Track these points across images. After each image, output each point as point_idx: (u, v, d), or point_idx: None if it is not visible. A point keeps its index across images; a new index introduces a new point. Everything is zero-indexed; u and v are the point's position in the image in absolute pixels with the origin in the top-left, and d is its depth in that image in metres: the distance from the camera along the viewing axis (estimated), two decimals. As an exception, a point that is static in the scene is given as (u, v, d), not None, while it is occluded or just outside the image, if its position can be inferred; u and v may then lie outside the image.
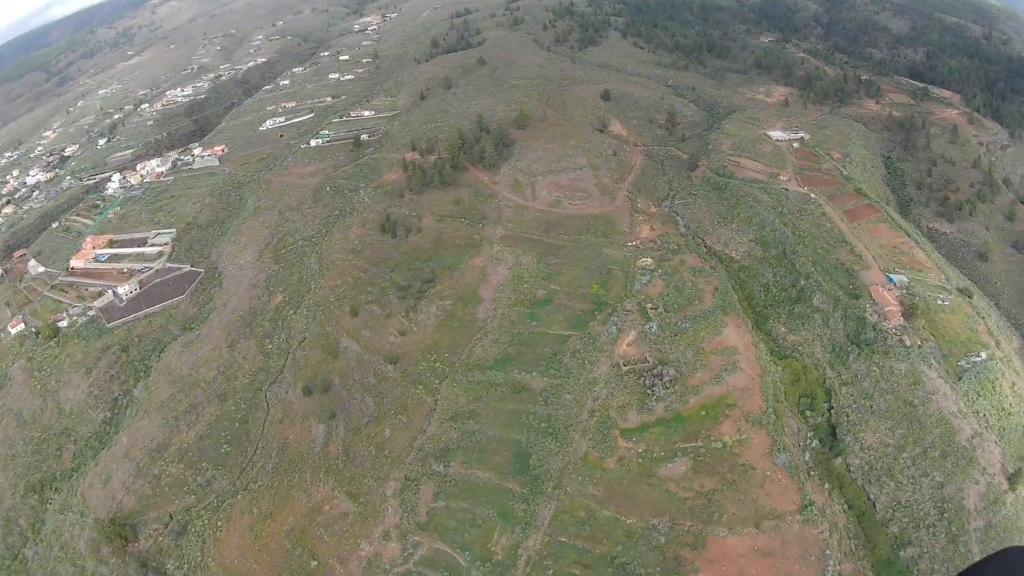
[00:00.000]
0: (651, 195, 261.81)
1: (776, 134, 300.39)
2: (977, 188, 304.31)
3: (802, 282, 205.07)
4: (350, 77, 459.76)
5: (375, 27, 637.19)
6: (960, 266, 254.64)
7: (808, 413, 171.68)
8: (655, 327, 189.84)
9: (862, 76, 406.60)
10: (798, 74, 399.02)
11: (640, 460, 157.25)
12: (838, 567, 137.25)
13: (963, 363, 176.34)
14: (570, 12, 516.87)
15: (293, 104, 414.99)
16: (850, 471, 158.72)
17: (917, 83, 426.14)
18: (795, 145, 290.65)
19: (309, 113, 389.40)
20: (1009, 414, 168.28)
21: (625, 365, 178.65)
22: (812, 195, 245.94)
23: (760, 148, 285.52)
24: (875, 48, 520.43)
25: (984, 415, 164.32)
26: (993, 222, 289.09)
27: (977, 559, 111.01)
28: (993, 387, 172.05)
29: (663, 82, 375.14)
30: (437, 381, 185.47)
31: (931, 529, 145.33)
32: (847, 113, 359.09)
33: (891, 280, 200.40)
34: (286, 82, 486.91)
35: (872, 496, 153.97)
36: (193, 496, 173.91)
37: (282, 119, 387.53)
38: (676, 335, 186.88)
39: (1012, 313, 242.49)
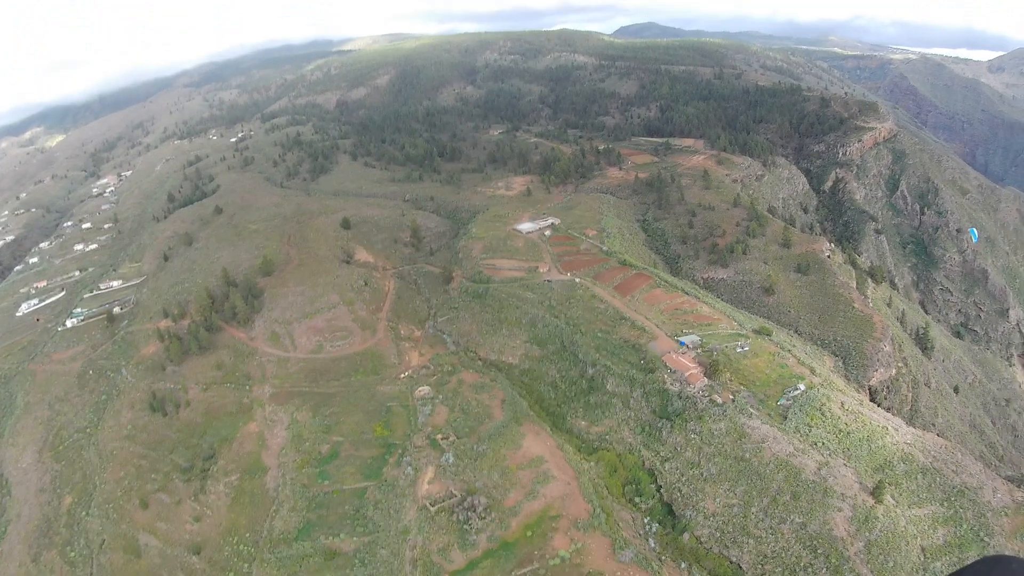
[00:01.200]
0: (412, 319, 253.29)
1: (525, 226, 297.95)
2: (744, 226, 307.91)
3: (590, 371, 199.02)
4: (94, 246, 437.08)
5: (112, 188, 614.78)
6: (749, 307, 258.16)
7: (637, 500, 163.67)
8: (451, 458, 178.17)
9: (599, 146, 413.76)
10: (535, 160, 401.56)
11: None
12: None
13: (783, 401, 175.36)
14: (298, 143, 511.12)
15: (44, 283, 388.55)
16: (702, 543, 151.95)
17: (656, 139, 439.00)
18: (547, 233, 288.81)
19: (61, 291, 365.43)
20: (848, 433, 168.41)
21: (433, 505, 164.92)
22: (577, 280, 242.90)
23: (513, 244, 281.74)
24: (607, 115, 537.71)
25: (823, 443, 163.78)
26: (770, 253, 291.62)
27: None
28: (822, 413, 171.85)
29: (400, 198, 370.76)
30: (246, 565, 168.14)
31: (809, 569, 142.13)
32: (593, 187, 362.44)
33: (682, 344, 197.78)
34: (35, 260, 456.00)
35: (735, 559, 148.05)
36: None
37: (36, 301, 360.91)
38: (476, 460, 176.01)
39: (816, 335, 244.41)
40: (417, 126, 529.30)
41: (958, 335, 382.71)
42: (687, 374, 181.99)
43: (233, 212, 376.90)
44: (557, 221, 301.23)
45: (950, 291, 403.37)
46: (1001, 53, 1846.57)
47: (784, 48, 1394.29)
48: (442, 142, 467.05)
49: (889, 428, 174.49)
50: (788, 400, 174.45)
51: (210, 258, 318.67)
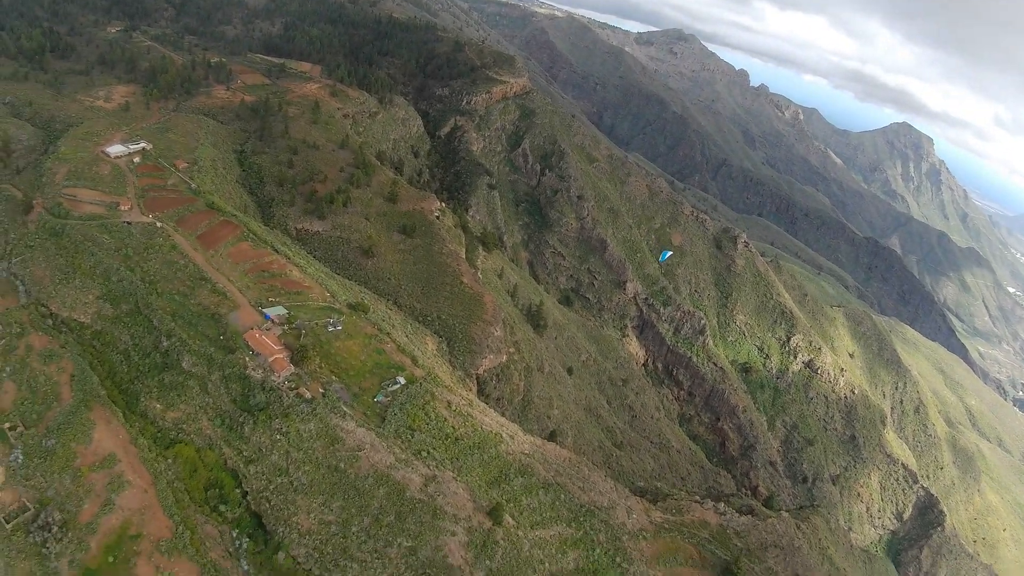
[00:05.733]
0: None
1: (115, 149, 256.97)
2: (348, 172, 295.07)
3: (165, 343, 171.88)
4: None
5: None
6: (345, 269, 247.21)
7: (223, 508, 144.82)
8: (20, 455, 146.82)
9: (212, 59, 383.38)
10: (143, 67, 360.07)
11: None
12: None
13: (381, 397, 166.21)
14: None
15: None
16: (299, 564, 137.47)
17: (273, 59, 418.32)
18: (136, 160, 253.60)
19: None
20: (456, 440, 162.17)
21: (9, 521, 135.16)
22: (159, 224, 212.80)
23: (98, 172, 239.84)
24: (229, 25, 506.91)
25: (429, 452, 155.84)
26: (373, 208, 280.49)
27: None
28: (426, 415, 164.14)
29: (2, 100, 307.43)
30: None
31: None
32: (195, 107, 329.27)
33: (267, 317, 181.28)
34: None
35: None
36: None
37: None
38: (46, 459, 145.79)
39: (418, 309, 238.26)
40: (41, 13, 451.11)
41: (567, 300, 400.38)
42: (271, 359, 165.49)
43: None
44: (149, 146, 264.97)
45: (563, 255, 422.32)
46: (653, 28, 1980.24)
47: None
48: (59, 35, 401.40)
49: (503, 435, 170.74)
50: (387, 396, 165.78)
51: None
